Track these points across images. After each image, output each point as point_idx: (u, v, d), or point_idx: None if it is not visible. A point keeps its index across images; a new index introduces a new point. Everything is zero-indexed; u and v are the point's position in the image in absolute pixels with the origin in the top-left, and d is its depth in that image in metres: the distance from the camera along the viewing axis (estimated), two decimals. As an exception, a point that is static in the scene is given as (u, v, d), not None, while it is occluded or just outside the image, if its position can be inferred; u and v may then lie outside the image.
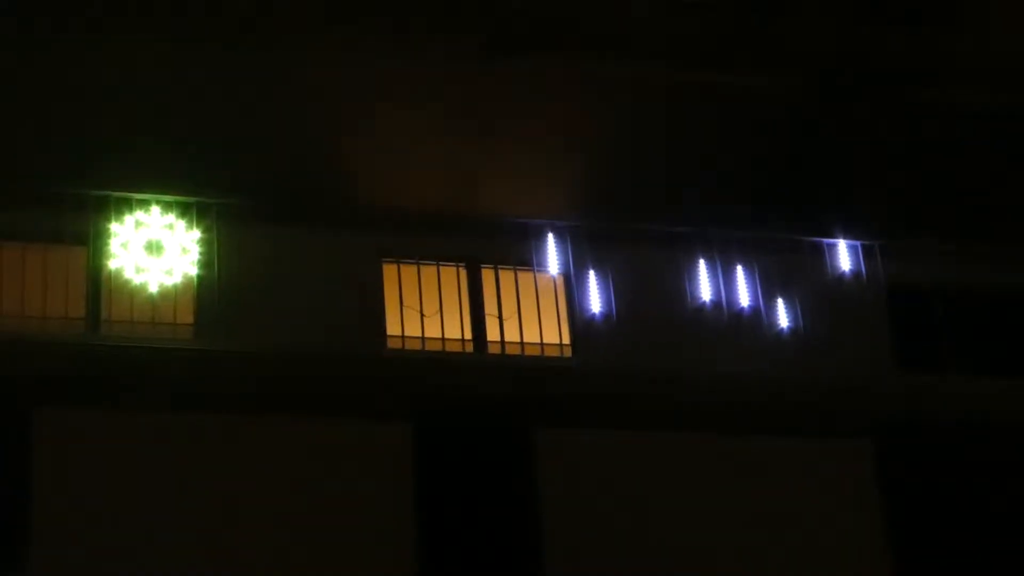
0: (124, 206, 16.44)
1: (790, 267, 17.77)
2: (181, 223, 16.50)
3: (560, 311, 17.57)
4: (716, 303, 17.42)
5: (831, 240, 17.90)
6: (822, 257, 17.86)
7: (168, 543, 15.33)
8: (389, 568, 15.75)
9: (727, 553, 16.58)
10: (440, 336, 17.18)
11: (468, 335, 17.30)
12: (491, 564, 16.20)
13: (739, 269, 17.50)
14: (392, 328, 17.12)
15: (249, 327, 16.38)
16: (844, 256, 17.86)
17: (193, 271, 16.45)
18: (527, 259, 17.38)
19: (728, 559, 16.55)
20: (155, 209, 16.49)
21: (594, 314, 17.26)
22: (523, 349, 17.34)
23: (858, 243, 17.95)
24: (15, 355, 15.43)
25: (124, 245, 16.33)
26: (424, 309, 17.21)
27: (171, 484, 15.56)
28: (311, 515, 15.83)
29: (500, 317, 17.37)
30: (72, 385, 15.57)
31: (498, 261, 17.46)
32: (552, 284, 17.56)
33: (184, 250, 16.43)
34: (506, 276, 17.52)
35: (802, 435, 17.03)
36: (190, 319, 16.65)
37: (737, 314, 17.43)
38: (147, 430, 15.71)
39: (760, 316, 17.49)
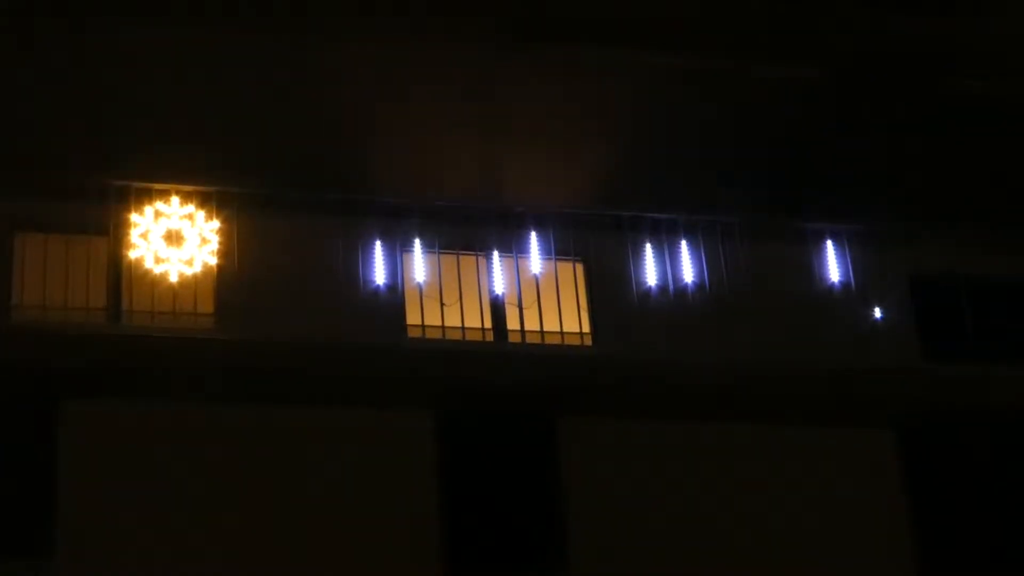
0: (144, 196, 16.45)
1: (813, 256, 17.76)
2: (201, 213, 16.50)
3: (580, 300, 17.55)
4: (738, 291, 17.40)
5: (855, 229, 17.85)
6: (845, 246, 17.82)
7: (189, 532, 15.35)
8: (413, 557, 15.76)
9: (750, 543, 16.56)
10: (460, 326, 17.17)
11: (488, 324, 17.30)
12: (515, 553, 16.21)
13: (762, 258, 17.48)
14: (412, 318, 17.12)
15: (269, 317, 16.38)
16: (868, 245, 17.83)
17: (213, 261, 16.45)
18: (547, 247, 17.37)
19: (751, 549, 16.53)
20: (175, 199, 16.50)
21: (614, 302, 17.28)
22: (543, 338, 17.32)
23: (882, 232, 17.94)
24: (37, 346, 15.45)
25: (144, 235, 16.34)
26: (444, 298, 17.19)
27: (193, 473, 15.59)
28: (332, 505, 15.83)
29: (520, 306, 17.35)
30: (94, 375, 15.58)
31: (518, 250, 17.42)
32: (572, 272, 17.55)
33: (204, 240, 16.44)
34: (526, 265, 17.48)
35: (825, 425, 17.00)
36: (211, 309, 16.65)
37: (760, 302, 17.42)
38: (169, 420, 15.73)
39: (783, 305, 17.48)
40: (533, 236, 17.27)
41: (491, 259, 17.23)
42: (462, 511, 16.16)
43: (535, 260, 17.25)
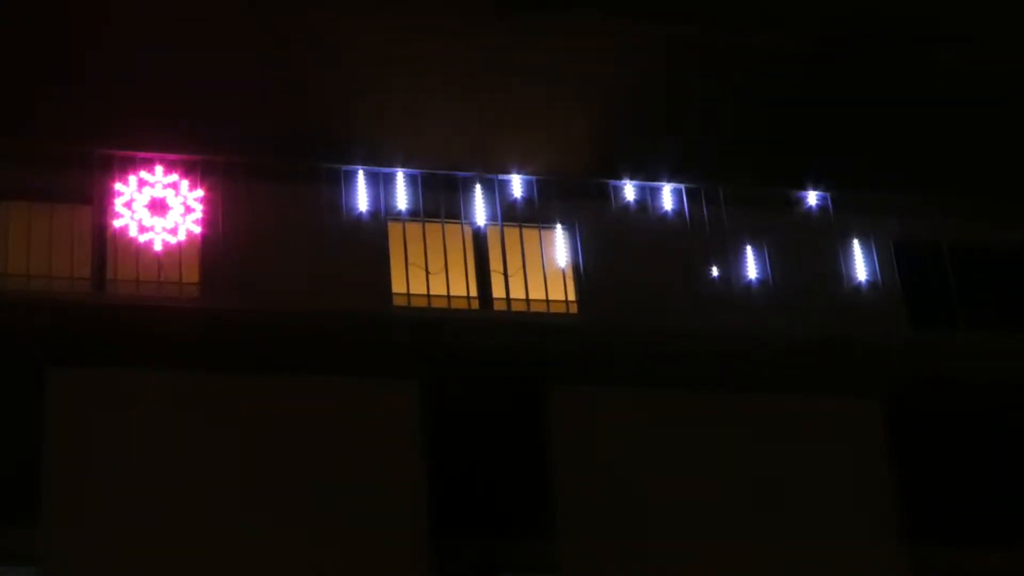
0: (128, 165, 16.43)
1: (799, 224, 17.76)
2: (185, 181, 16.49)
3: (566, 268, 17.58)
4: (724, 259, 17.40)
5: (840, 196, 17.84)
6: (831, 214, 17.81)
7: (173, 500, 15.30)
8: (398, 524, 15.73)
9: (735, 511, 16.51)
10: (446, 294, 17.16)
11: (474, 292, 17.29)
12: (501, 520, 16.19)
13: (747, 224, 17.49)
14: (398, 286, 17.11)
15: (254, 285, 16.38)
16: (853, 213, 17.81)
17: (197, 230, 16.44)
18: (533, 216, 17.35)
19: (736, 517, 16.49)
20: (159, 168, 16.48)
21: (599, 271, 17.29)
22: (529, 306, 17.32)
23: (867, 199, 17.92)
24: (22, 314, 15.43)
25: (129, 204, 16.32)
26: (429, 267, 17.18)
27: (177, 441, 15.52)
28: (318, 474, 15.78)
29: (505, 274, 17.35)
30: (78, 344, 15.54)
31: (503, 218, 17.41)
32: (556, 241, 17.55)
33: (188, 209, 16.43)
34: (511, 233, 17.48)
35: (812, 393, 16.95)
36: (196, 278, 16.65)
37: (745, 270, 17.43)
38: (154, 388, 15.67)
39: (769, 273, 17.48)
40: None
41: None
42: (448, 478, 16.09)
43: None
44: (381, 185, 17.10)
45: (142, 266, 16.44)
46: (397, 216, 17.25)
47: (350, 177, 17.02)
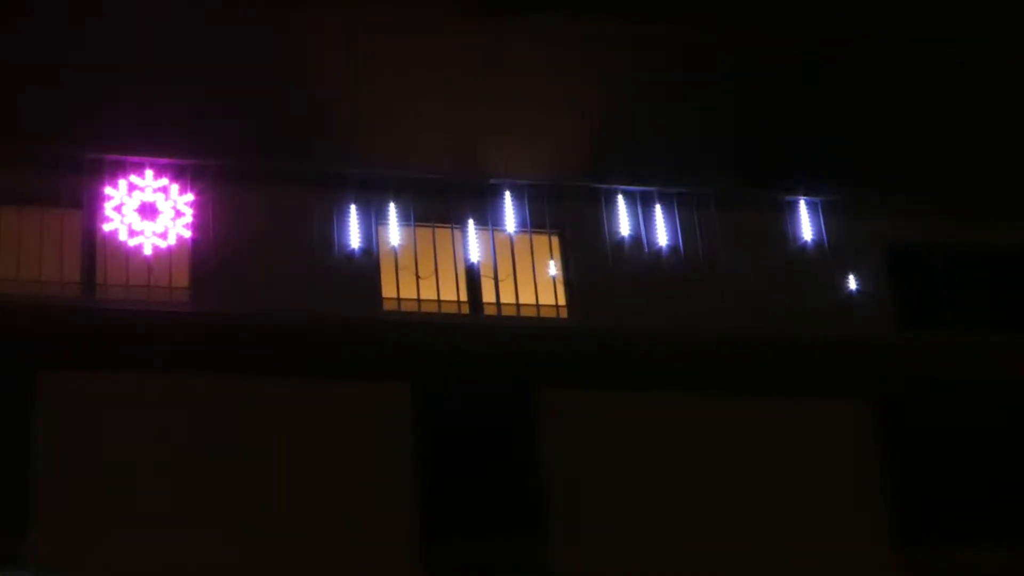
0: (118, 169, 16.41)
1: (789, 225, 17.78)
2: (175, 185, 16.47)
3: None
4: (714, 261, 17.41)
5: (830, 198, 17.88)
6: (821, 215, 17.84)
7: (164, 503, 15.26)
8: (390, 528, 15.72)
9: (727, 513, 16.52)
10: (436, 298, 17.15)
11: (464, 297, 17.28)
12: (493, 523, 16.16)
13: (738, 226, 17.50)
14: (387, 291, 17.10)
15: (245, 289, 16.37)
16: (844, 214, 17.83)
17: (187, 234, 16.43)
18: (523, 220, 17.35)
19: (728, 518, 16.49)
20: (149, 172, 16.47)
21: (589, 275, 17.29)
22: (519, 311, 17.32)
23: (859, 201, 17.95)
24: (12, 318, 15.39)
25: (120, 208, 16.31)
26: (419, 271, 17.17)
27: (168, 445, 15.49)
28: (309, 477, 15.76)
29: (496, 279, 17.34)
30: (69, 349, 15.50)
31: (494, 222, 17.41)
32: (546, 245, 17.55)
33: (178, 213, 16.41)
34: (501, 237, 17.48)
35: (802, 394, 16.98)
36: (185, 282, 16.63)
37: (735, 272, 17.45)
38: (144, 392, 15.62)
39: (760, 275, 17.49)
40: (507, 196, 17.23)
41: (466, 227, 17.21)
42: (439, 481, 16.08)
43: (510, 222, 17.23)
44: (371, 189, 17.07)
45: (132, 270, 16.40)
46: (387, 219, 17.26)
47: (340, 180, 16.99)
